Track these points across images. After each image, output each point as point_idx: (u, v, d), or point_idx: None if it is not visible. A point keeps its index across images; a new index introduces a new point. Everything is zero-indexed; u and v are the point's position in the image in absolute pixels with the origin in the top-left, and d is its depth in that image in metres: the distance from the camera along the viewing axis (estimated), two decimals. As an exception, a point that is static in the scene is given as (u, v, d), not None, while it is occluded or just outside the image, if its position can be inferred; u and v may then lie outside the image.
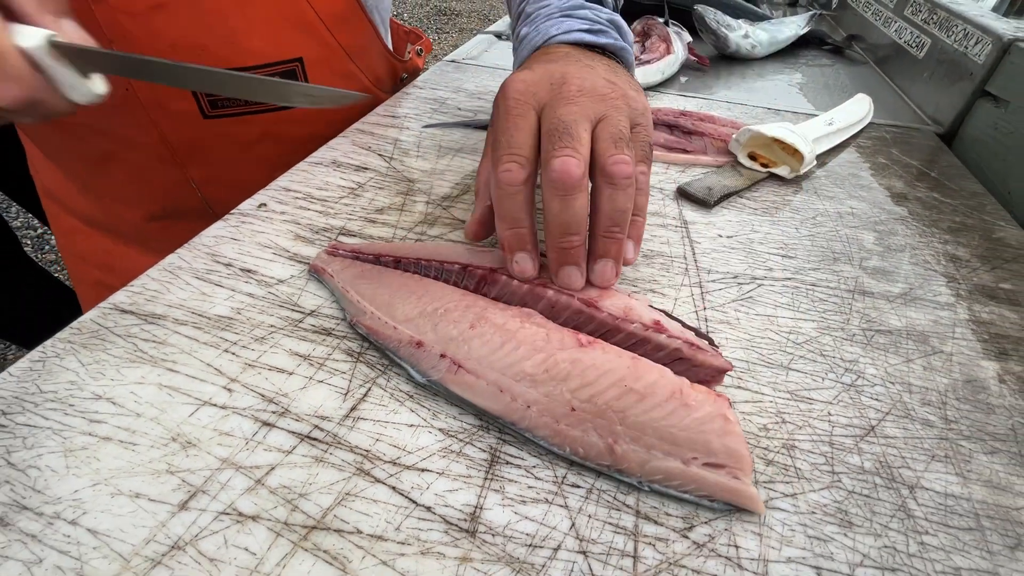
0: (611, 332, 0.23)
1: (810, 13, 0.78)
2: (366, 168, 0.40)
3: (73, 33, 0.25)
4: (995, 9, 0.55)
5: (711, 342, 0.23)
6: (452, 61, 0.63)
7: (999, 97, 0.48)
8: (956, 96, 0.52)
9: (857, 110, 0.51)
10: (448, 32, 3.21)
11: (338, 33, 0.43)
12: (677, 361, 0.22)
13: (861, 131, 0.51)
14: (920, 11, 0.63)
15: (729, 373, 0.25)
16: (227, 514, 0.19)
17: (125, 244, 0.40)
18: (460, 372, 0.22)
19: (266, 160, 0.40)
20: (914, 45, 0.62)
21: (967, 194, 0.42)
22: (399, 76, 0.56)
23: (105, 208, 0.39)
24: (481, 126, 0.47)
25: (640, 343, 0.23)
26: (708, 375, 0.22)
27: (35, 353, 0.24)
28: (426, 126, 0.46)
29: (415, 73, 0.58)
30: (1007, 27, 0.49)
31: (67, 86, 0.25)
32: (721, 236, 0.35)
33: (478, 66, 0.62)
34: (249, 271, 0.29)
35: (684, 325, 0.23)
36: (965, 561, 0.19)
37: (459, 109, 0.50)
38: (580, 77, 0.25)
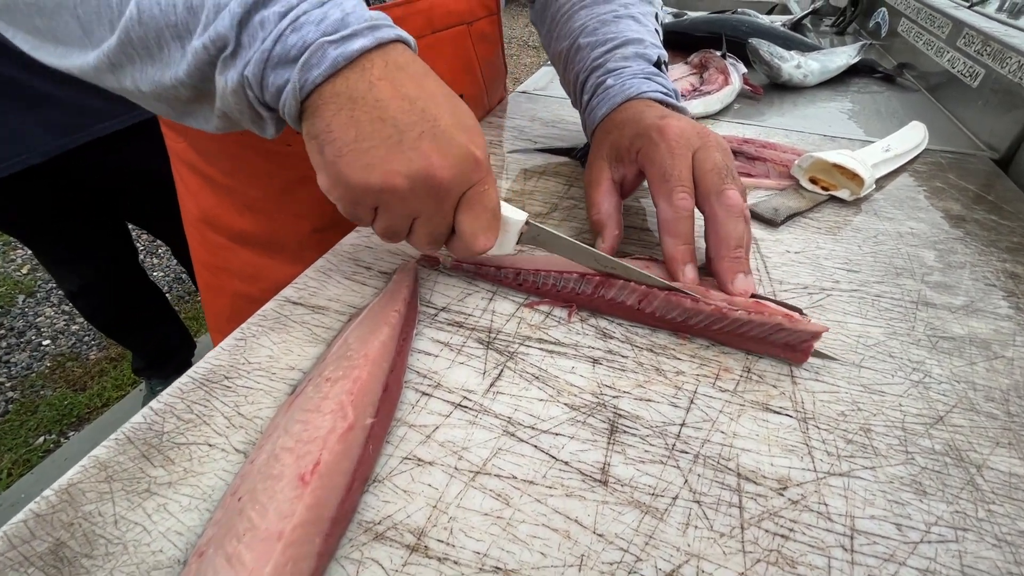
0: (720, 319, 0.29)
1: (861, 43, 0.81)
2: (465, 188, 0.45)
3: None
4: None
5: (801, 312, 0.28)
6: (523, 92, 0.69)
7: (1055, 125, 0.50)
8: (1011, 124, 0.55)
9: (912, 137, 0.55)
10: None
11: (485, 72, 0.53)
12: (779, 331, 0.27)
13: (916, 157, 0.54)
14: (973, 42, 0.65)
15: (805, 367, 0.29)
16: (409, 459, 0.24)
17: (271, 256, 0.47)
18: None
19: None
20: (968, 75, 0.65)
21: (1025, 217, 0.45)
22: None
23: (272, 224, 0.46)
24: (560, 151, 0.52)
25: (747, 322, 0.28)
26: (805, 338, 0.27)
27: (237, 333, 0.30)
28: (511, 151, 0.52)
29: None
30: (1062, 60, 0.51)
31: (503, 244, 0.31)
32: (789, 252, 0.39)
33: (548, 96, 0.68)
34: (386, 274, 0.35)
35: (776, 302, 0.29)
36: (1029, 526, 0.22)
37: (537, 136, 0.56)
38: (707, 132, 0.33)
